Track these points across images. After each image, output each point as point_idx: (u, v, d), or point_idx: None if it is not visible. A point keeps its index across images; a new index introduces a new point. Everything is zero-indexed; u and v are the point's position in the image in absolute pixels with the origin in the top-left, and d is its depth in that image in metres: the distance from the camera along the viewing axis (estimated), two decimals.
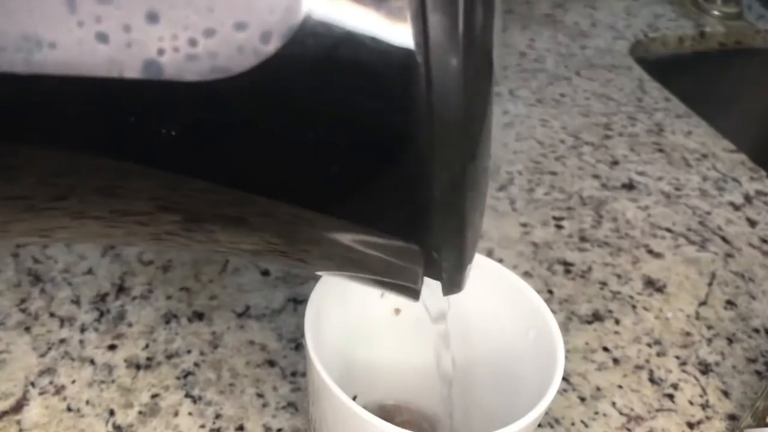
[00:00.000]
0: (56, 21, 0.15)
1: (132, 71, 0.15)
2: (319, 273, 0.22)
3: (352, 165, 0.17)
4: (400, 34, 0.15)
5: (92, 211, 0.18)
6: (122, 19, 0.15)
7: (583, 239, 0.46)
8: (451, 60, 0.15)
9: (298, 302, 0.38)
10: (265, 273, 0.40)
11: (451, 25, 0.15)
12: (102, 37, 0.15)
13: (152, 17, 0.15)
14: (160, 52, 0.15)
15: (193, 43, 0.15)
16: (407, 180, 0.17)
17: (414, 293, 0.22)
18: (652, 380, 0.38)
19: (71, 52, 0.15)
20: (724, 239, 0.48)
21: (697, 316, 0.42)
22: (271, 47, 0.15)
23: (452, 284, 0.21)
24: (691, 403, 0.37)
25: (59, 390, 0.33)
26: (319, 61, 0.15)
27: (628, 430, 0.35)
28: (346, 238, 0.19)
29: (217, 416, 0.33)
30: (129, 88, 0.15)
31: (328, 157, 0.17)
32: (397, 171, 0.17)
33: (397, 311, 0.32)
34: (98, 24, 0.15)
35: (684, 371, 0.38)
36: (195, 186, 0.17)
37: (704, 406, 0.37)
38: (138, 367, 0.34)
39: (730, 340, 0.41)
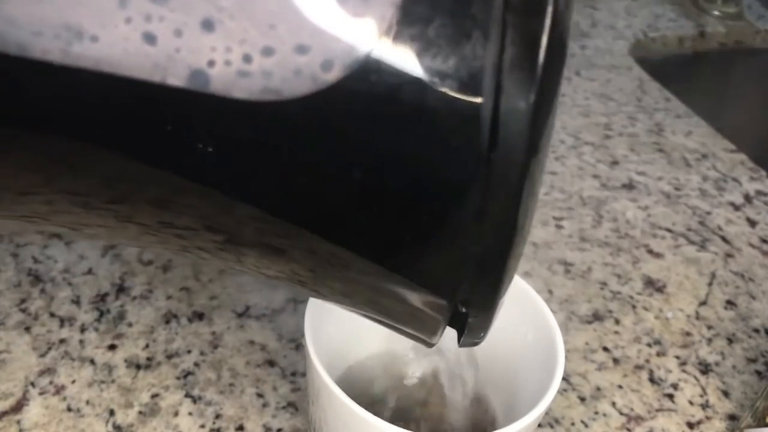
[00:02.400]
0: (103, 13, 0.14)
1: (176, 79, 0.14)
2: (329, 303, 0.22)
3: (398, 212, 0.16)
4: (471, 86, 0.14)
5: (140, 219, 0.17)
6: (175, 23, 0.14)
7: (583, 239, 0.46)
8: (521, 123, 0.14)
9: (298, 302, 0.38)
10: None
11: (527, 88, 0.14)
12: (149, 38, 0.14)
13: (208, 25, 0.14)
14: (211, 63, 0.14)
15: (247, 59, 0.14)
16: (452, 235, 0.16)
17: (428, 344, 0.21)
18: (652, 380, 0.38)
19: (114, 48, 0.14)
20: (724, 239, 0.48)
21: (697, 316, 0.42)
22: (331, 76, 0.14)
23: (472, 339, 0.20)
24: (691, 403, 0.37)
25: (59, 390, 0.33)
26: (380, 99, 0.14)
27: (628, 430, 0.35)
28: (377, 283, 0.18)
29: (217, 416, 0.33)
30: (170, 95, 0.14)
31: (372, 200, 0.16)
32: (444, 225, 0.16)
33: None
34: (148, 23, 0.14)
35: (684, 371, 0.38)
36: (248, 212, 0.16)
37: (704, 406, 0.37)
38: (138, 367, 0.34)
39: (730, 340, 0.41)
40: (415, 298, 0.18)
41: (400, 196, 0.16)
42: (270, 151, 0.15)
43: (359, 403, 0.24)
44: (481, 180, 0.15)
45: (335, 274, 0.18)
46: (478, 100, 0.14)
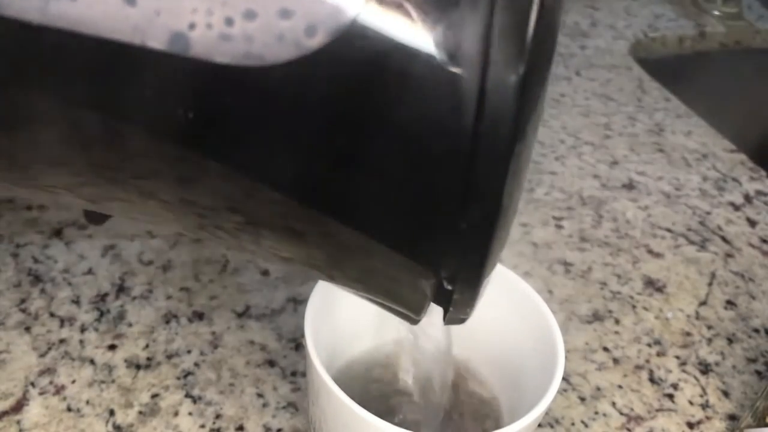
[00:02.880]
0: None
1: (156, 41, 0.14)
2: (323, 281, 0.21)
3: (382, 181, 0.16)
4: (458, 55, 0.14)
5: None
6: None
7: (583, 239, 0.46)
8: (508, 95, 0.14)
9: (298, 302, 0.38)
10: (265, 273, 0.40)
11: (516, 60, 0.14)
12: None
13: None
14: (192, 26, 0.14)
15: (229, 22, 0.14)
16: (437, 208, 0.16)
17: (414, 320, 0.21)
18: (652, 380, 0.38)
19: (93, 9, 0.13)
20: (724, 239, 0.48)
21: (697, 316, 0.42)
22: (315, 42, 0.14)
23: (457, 317, 0.20)
24: (691, 403, 0.37)
25: (59, 390, 0.33)
26: (364, 66, 0.14)
27: (628, 430, 0.35)
28: (365, 255, 0.17)
29: (217, 416, 0.33)
30: (149, 58, 0.14)
31: (355, 169, 0.15)
32: (430, 196, 0.16)
33: None
34: None
35: (684, 371, 0.38)
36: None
37: (704, 406, 0.37)
38: (138, 367, 0.34)
39: (730, 340, 0.41)
40: (403, 273, 0.18)
41: (383, 165, 0.15)
42: (252, 118, 0.15)
43: (358, 401, 0.24)
44: (467, 152, 0.15)
45: (318, 243, 0.18)
46: (466, 70, 0.14)
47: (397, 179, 0.15)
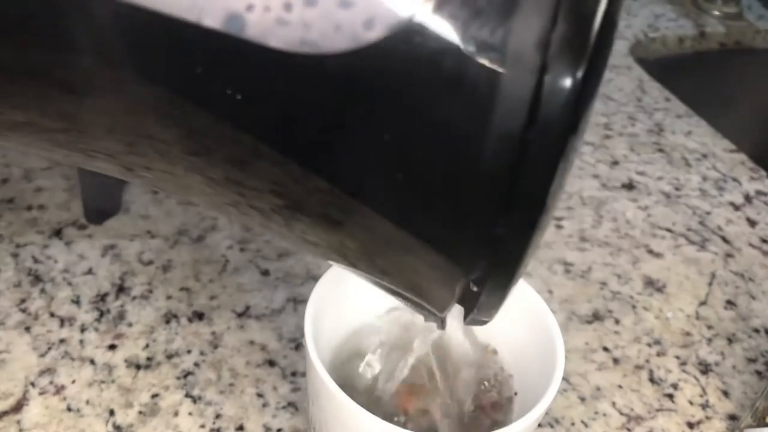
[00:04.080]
0: None
1: (212, 19, 0.13)
2: (340, 267, 0.21)
3: (426, 181, 0.15)
4: (515, 61, 0.13)
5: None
6: None
7: (583, 239, 0.46)
8: (562, 105, 0.14)
9: (298, 302, 0.38)
10: (265, 273, 0.40)
11: (574, 70, 0.13)
12: None
13: None
14: (249, 7, 0.13)
15: (288, 7, 0.13)
16: (478, 210, 0.15)
17: (437, 317, 0.21)
18: (652, 380, 0.38)
19: None
20: (724, 239, 0.48)
21: (697, 316, 0.42)
22: (372, 35, 0.13)
23: (479, 319, 0.19)
24: (691, 403, 0.37)
25: (59, 390, 0.33)
26: (419, 64, 0.14)
27: (628, 430, 0.35)
28: (401, 250, 0.17)
29: (217, 416, 0.33)
30: (203, 36, 0.14)
31: (401, 165, 0.15)
32: (471, 199, 0.15)
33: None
34: None
35: (684, 371, 0.38)
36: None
37: (704, 406, 0.37)
38: (138, 367, 0.34)
39: (730, 340, 0.41)
40: (434, 271, 0.17)
41: (429, 165, 0.15)
42: (301, 105, 0.15)
43: (358, 401, 0.24)
44: (514, 159, 0.14)
45: (354, 234, 0.17)
46: (522, 75, 0.14)
47: (442, 179, 0.15)
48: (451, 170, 0.15)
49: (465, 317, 0.20)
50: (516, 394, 0.29)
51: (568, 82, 0.13)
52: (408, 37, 0.13)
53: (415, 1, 0.13)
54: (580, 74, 0.13)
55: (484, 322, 0.20)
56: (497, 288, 0.18)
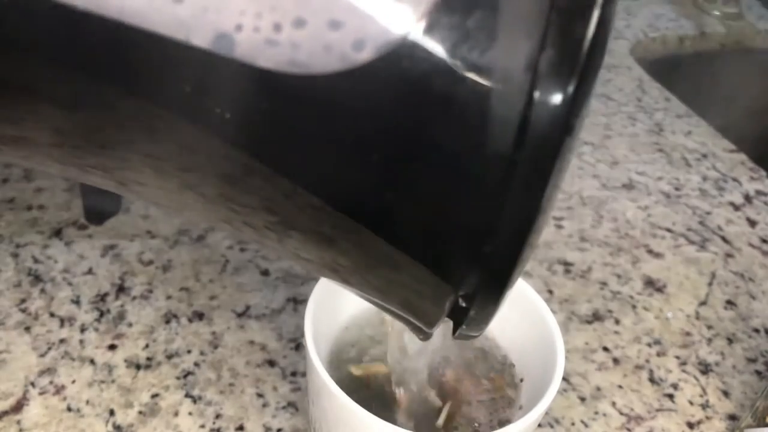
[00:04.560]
0: None
1: (200, 39, 0.13)
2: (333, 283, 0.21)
3: (415, 199, 0.16)
4: (504, 83, 0.14)
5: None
6: None
7: (583, 239, 0.46)
8: (549, 127, 0.14)
9: (298, 302, 0.38)
10: (265, 273, 0.40)
11: (561, 94, 0.14)
12: None
13: None
14: (238, 27, 0.13)
15: (277, 28, 0.13)
16: (467, 229, 0.16)
17: (425, 333, 0.21)
18: (652, 380, 0.38)
19: (140, 0, 0.13)
20: (724, 239, 0.48)
21: (697, 316, 0.42)
22: (362, 56, 0.13)
23: (468, 334, 0.20)
24: (691, 403, 0.37)
25: (59, 390, 0.33)
26: (409, 85, 0.14)
27: (628, 430, 0.35)
28: (391, 266, 0.17)
29: (217, 416, 0.33)
30: (192, 55, 0.14)
31: (390, 185, 0.15)
32: (460, 217, 0.16)
33: None
34: None
35: (684, 371, 0.38)
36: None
37: (704, 406, 0.37)
38: (138, 367, 0.34)
39: (730, 340, 0.41)
40: (425, 287, 0.18)
41: (418, 183, 0.15)
42: (289, 124, 0.15)
43: (357, 400, 0.24)
44: (503, 179, 0.14)
45: (345, 250, 0.17)
46: (510, 98, 0.14)
47: (430, 199, 0.15)
48: (440, 190, 0.15)
49: (453, 332, 0.20)
50: (522, 380, 0.29)
51: (555, 105, 0.14)
52: (397, 59, 0.14)
53: (405, 24, 0.13)
54: (567, 97, 0.14)
55: (473, 337, 0.20)
56: (486, 304, 0.18)
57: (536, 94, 0.13)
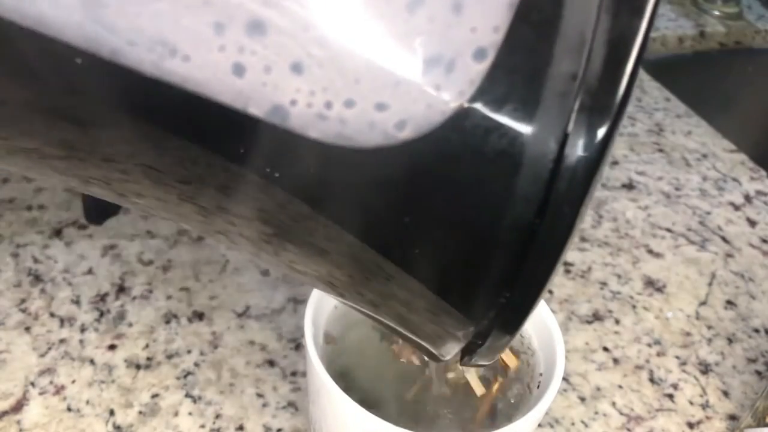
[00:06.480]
0: (198, 37, 0.14)
1: (257, 109, 0.15)
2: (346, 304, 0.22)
3: (442, 253, 0.17)
4: (529, 169, 0.15)
5: (202, 201, 0.17)
6: (266, 60, 0.14)
7: (583, 239, 0.46)
8: (567, 211, 0.15)
9: (298, 302, 0.38)
10: (265, 273, 0.40)
11: (581, 186, 0.15)
12: (238, 69, 0.14)
13: (297, 68, 0.15)
14: (293, 102, 0.15)
15: (328, 105, 0.15)
16: (484, 276, 0.17)
17: (438, 359, 0.22)
18: (652, 380, 0.38)
19: (203, 71, 0.14)
20: (724, 239, 0.48)
21: (697, 316, 0.42)
22: (403, 135, 0.15)
23: (476, 363, 0.21)
24: (691, 403, 0.37)
25: (59, 390, 0.33)
26: (442, 164, 0.15)
27: (628, 430, 0.35)
28: (416, 301, 0.18)
29: (217, 416, 0.33)
30: (248, 122, 0.15)
31: (418, 242, 0.17)
32: (479, 272, 0.17)
33: None
34: (240, 55, 0.14)
35: (684, 371, 0.38)
36: (303, 212, 0.17)
37: (704, 406, 0.37)
38: (138, 367, 0.34)
39: (730, 340, 0.41)
40: (446, 321, 0.19)
41: (445, 245, 0.17)
42: (332, 188, 0.16)
43: (358, 400, 0.24)
44: (517, 249, 0.16)
45: (374, 285, 0.19)
46: (534, 183, 0.15)
47: (450, 257, 0.17)
48: (457, 252, 0.17)
49: (461, 359, 0.21)
50: (541, 374, 0.29)
51: (573, 194, 0.15)
52: (434, 141, 0.15)
53: (445, 109, 0.15)
54: (582, 193, 0.15)
55: (480, 366, 0.21)
56: (496, 343, 0.19)
57: (557, 181, 0.15)
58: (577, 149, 0.15)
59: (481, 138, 0.15)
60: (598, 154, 0.15)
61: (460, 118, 0.15)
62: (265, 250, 0.19)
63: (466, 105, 0.15)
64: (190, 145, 0.16)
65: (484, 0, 0.15)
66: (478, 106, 0.15)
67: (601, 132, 0.15)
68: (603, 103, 0.15)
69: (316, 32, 0.14)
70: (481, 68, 0.15)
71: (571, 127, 0.15)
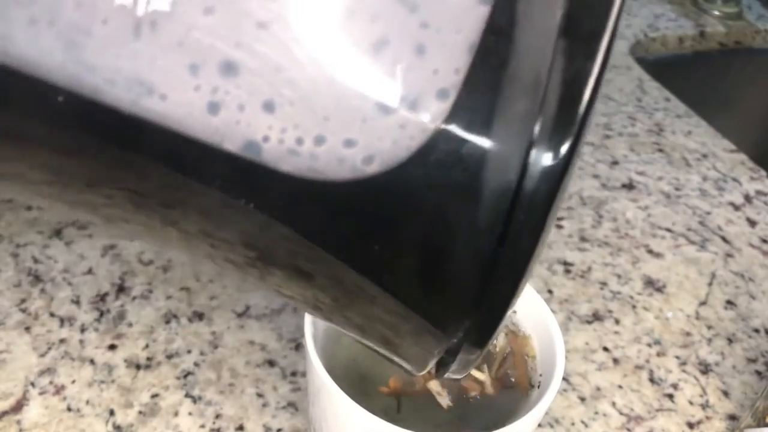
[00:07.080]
0: (174, 77, 0.15)
1: (232, 145, 0.16)
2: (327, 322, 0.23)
3: (410, 277, 0.18)
4: (491, 203, 0.16)
5: (185, 225, 0.18)
6: (239, 99, 0.15)
7: (583, 239, 0.46)
8: (526, 240, 0.16)
9: None
10: None
11: (535, 225, 0.16)
12: (213, 108, 0.15)
13: (269, 107, 0.15)
14: (265, 138, 0.16)
15: (299, 141, 0.16)
16: (450, 296, 0.18)
17: (413, 375, 0.22)
18: (652, 380, 0.38)
19: (179, 110, 0.15)
20: (724, 239, 0.48)
21: (697, 316, 0.42)
22: (370, 169, 0.16)
23: (450, 377, 0.21)
24: (691, 403, 0.37)
25: (59, 390, 0.33)
26: (408, 197, 0.16)
27: (628, 430, 0.35)
28: (397, 321, 0.19)
29: (217, 416, 0.33)
30: (223, 157, 0.16)
31: (387, 268, 0.18)
32: (451, 289, 0.18)
33: None
34: (214, 95, 0.15)
35: (684, 371, 0.38)
36: (284, 234, 0.17)
37: (704, 406, 0.37)
38: (138, 367, 0.34)
39: (730, 340, 0.41)
40: (427, 340, 0.19)
41: (415, 269, 0.18)
42: (305, 217, 0.17)
43: (357, 399, 0.24)
44: (481, 274, 0.17)
45: (358, 307, 0.19)
46: (495, 213, 0.16)
47: (415, 285, 0.18)
48: (427, 275, 0.17)
49: (437, 371, 0.21)
50: (541, 374, 0.29)
51: (534, 222, 0.16)
52: (400, 175, 0.16)
53: (410, 146, 0.16)
54: (541, 218, 0.16)
55: (456, 379, 0.22)
56: (466, 360, 0.20)
57: (514, 220, 0.16)
58: (535, 182, 0.16)
59: (444, 172, 0.16)
60: (555, 185, 0.16)
61: (425, 153, 0.16)
62: (252, 275, 0.20)
63: (429, 142, 0.16)
64: (170, 172, 0.16)
65: (446, 43, 0.15)
66: (441, 142, 0.16)
67: (557, 166, 0.16)
68: (558, 139, 0.16)
69: (286, 73, 0.15)
70: (443, 107, 0.15)
71: (529, 161, 0.16)
